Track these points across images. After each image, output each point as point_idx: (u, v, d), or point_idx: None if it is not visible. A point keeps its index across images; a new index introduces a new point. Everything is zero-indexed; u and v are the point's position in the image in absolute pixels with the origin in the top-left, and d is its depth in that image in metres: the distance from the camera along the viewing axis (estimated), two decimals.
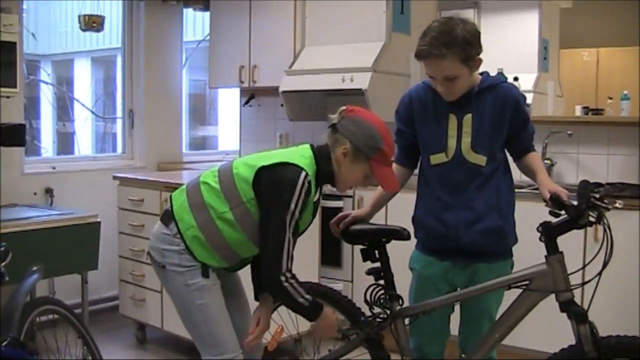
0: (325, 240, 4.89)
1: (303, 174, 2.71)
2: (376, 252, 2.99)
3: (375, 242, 3.00)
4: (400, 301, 2.97)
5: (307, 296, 2.76)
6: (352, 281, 5.02)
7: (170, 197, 2.97)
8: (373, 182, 2.88)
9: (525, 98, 2.96)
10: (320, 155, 2.84)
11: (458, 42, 2.69)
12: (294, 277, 2.74)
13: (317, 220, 4.78)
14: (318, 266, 4.87)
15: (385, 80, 5.08)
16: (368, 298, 3.01)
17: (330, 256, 5.03)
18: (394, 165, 3.03)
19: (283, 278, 2.70)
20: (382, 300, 2.99)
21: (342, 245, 5.00)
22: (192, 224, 2.81)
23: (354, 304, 3.19)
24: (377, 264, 2.99)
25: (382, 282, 3.00)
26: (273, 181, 2.72)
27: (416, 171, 3.14)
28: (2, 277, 2.87)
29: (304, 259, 4.70)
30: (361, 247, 3.05)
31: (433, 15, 5.54)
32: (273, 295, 2.88)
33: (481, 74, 2.93)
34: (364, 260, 3.03)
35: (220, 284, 2.90)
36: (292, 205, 2.68)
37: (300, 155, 2.81)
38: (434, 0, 5.73)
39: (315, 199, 2.90)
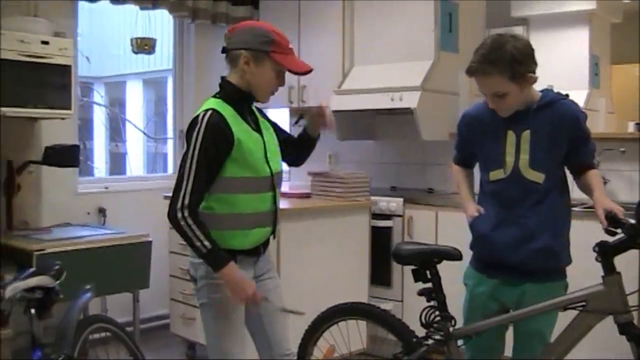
0: (375, 260, 4.88)
1: (201, 114, 2.80)
2: (427, 272, 2.96)
3: (426, 262, 2.97)
4: (453, 322, 2.93)
5: (207, 243, 2.73)
6: (402, 301, 4.98)
7: None
8: (283, 79, 2.95)
9: (585, 115, 2.91)
10: (222, 85, 2.96)
11: (505, 60, 2.69)
12: (192, 216, 2.74)
13: (367, 239, 4.78)
14: (368, 285, 4.86)
15: (434, 99, 5.06)
16: (423, 320, 2.98)
17: (380, 275, 5.01)
18: (455, 166, 3.21)
19: (179, 215, 2.74)
20: (436, 322, 2.95)
21: (392, 265, 4.98)
22: None
23: (405, 324, 3.17)
24: (429, 285, 2.97)
25: (433, 302, 2.96)
26: (185, 137, 2.85)
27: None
28: (57, 295, 2.92)
29: (354, 278, 4.70)
30: (412, 267, 3.02)
31: (481, 33, 5.53)
32: (178, 233, 2.81)
33: (542, 91, 2.91)
34: (415, 281, 3.00)
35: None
36: (193, 144, 2.75)
37: (205, 103, 2.91)
38: (483, 18, 5.71)
39: (247, 125, 2.91)
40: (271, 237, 3.09)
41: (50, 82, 4.57)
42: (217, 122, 2.78)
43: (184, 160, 2.78)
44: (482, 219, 2.97)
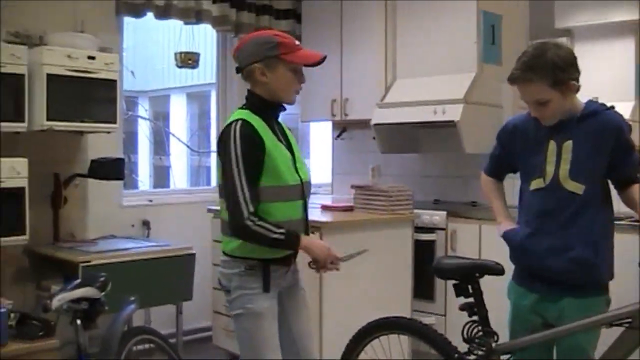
0: (418, 273, 4.85)
1: (233, 124, 2.84)
2: (469, 287, 2.94)
3: (467, 277, 2.95)
4: (496, 337, 2.90)
5: (279, 230, 2.79)
6: (445, 315, 4.95)
7: None
8: (301, 75, 2.97)
9: (630, 126, 2.86)
10: (248, 97, 3.00)
11: (547, 67, 2.68)
12: (260, 218, 2.79)
13: (409, 252, 4.76)
14: (410, 299, 4.83)
15: (477, 112, 5.03)
16: (465, 335, 2.95)
17: (423, 289, 4.98)
18: (486, 177, 3.22)
19: (250, 223, 2.76)
20: (478, 338, 2.93)
21: (435, 278, 4.95)
22: (227, 238, 2.93)
23: (447, 339, 3.13)
24: (471, 299, 2.94)
25: (475, 317, 2.94)
26: (218, 147, 2.91)
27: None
28: (102, 306, 2.96)
29: (396, 292, 4.68)
30: (454, 282, 3.00)
31: (525, 44, 5.46)
32: (248, 241, 2.84)
33: (587, 102, 2.88)
34: (457, 295, 2.98)
35: (277, 309, 2.95)
36: (233, 154, 2.79)
37: (233, 114, 2.98)
38: (526, 29, 5.66)
39: (274, 135, 2.94)
40: None
41: (96, 97, 4.64)
42: (249, 131, 2.83)
43: (228, 172, 2.81)
44: (519, 230, 2.95)
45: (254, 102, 2.96)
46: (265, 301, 2.89)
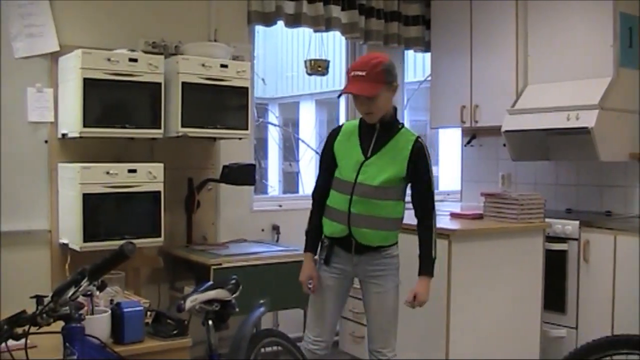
0: (548, 284, 4.71)
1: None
2: None
3: None
4: None
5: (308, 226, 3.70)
6: (576, 328, 4.79)
7: None
8: (356, 102, 3.50)
9: None
10: None
11: None
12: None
13: (540, 262, 4.63)
14: (540, 311, 4.69)
15: (613, 118, 4.86)
16: None
17: (553, 300, 4.84)
18: None
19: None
20: None
21: (566, 289, 4.81)
22: None
23: None
24: None
25: None
26: None
27: None
28: (233, 308, 3.03)
29: (526, 302, 4.57)
30: None
31: None
32: None
33: None
34: None
35: (334, 281, 3.58)
36: (321, 152, 3.68)
37: None
38: None
39: (361, 140, 3.51)
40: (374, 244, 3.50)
41: (228, 104, 4.76)
42: (330, 133, 3.66)
43: None
44: None
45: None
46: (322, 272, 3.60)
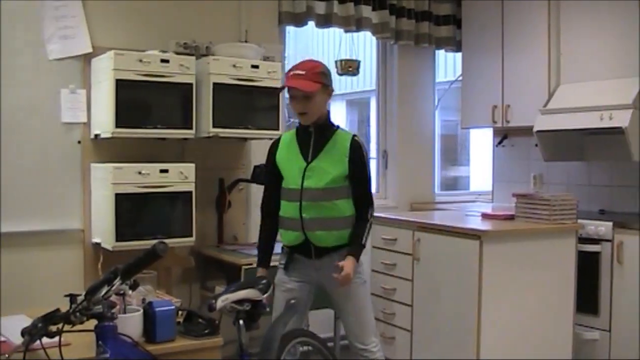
0: (581, 286, 4.66)
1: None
2: None
3: None
4: None
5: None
6: (609, 330, 4.73)
7: None
8: (291, 100, 3.57)
9: None
10: None
11: None
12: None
13: (572, 264, 4.59)
14: (573, 313, 4.64)
15: None
16: None
17: (586, 303, 4.79)
18: None
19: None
20: None
21: (599, 292, 4.76)
22: None
23: None
24: None
25: None
26: None
27: None
28: (264, 308, 3.05)
29: (558, 304, 4.53)
30: None
31: None
32: None
33: None
34: None
35: (294, 284, 3.64)
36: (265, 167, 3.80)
37: None
38: None
39: (300, 147, 3.60)
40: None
41: (259, 104, 4.78)
42: (269, 148, 3.73)
43: None
44: None
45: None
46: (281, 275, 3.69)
